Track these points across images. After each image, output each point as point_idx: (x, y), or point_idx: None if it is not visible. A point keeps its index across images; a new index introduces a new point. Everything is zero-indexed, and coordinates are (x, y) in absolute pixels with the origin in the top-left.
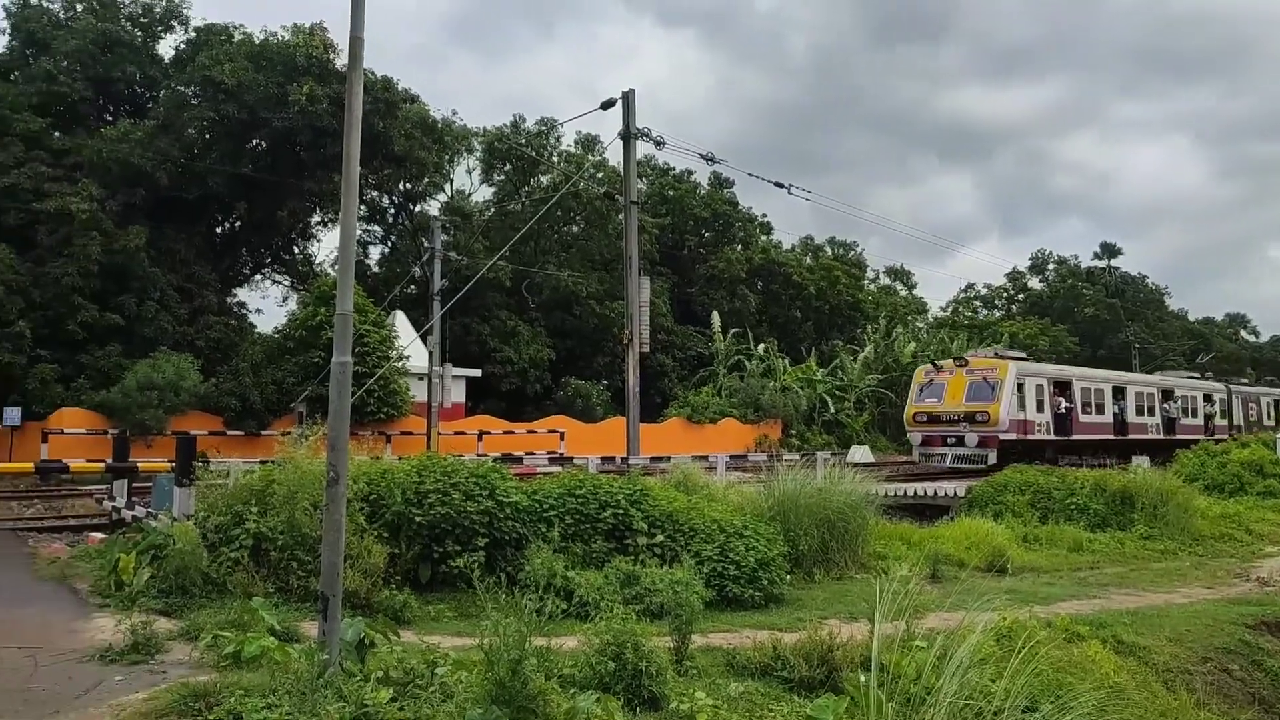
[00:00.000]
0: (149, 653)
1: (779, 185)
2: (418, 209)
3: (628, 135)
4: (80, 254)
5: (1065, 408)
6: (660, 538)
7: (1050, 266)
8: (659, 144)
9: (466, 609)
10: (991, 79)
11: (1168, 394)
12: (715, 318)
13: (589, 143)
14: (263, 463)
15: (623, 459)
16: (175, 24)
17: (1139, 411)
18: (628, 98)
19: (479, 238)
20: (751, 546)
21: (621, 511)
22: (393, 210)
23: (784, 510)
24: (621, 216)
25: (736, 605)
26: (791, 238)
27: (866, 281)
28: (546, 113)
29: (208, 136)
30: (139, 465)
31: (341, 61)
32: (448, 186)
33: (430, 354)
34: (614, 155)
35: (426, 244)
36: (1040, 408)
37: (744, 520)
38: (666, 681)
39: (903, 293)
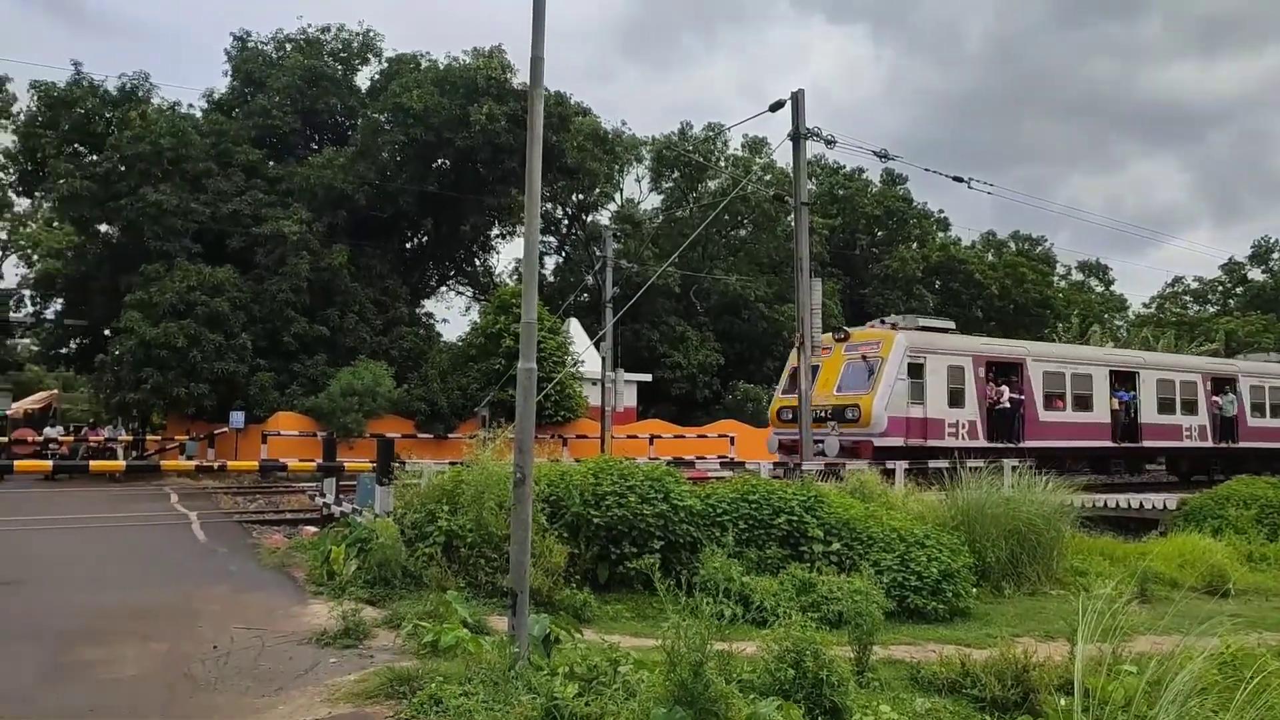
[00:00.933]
0: (358, 638)
1: (957, 179)
2: (590, 219)
3: (797, 136)
4: (292, 272)
5: (1011, 400)
6: (837, 545)
7: (1275, 255)
8: (830, 143)
9: (643, 610)
10: (1198, 53)
11: (1223, 383)
12: None
13: (756, 145)
14: (451, 464)
15: (795, 464)
16: (370, 56)
17: (1165, 408)
18: (797, 98)
19: (648, 245)
20: (934, 557)
21: (796, 518)
22: (566, 221)
23: (969, 520)
24: (790, 218)
25: (918, 617)
26: (971, 234)
27: (1056, 278)
28: (713, 118)
29: (398, 159)
30: (345, 465)
31: (518, 80)
32: (618, 196)
33: (603, 359)
34: (782, 156)
35: (598, 253)
36: (957, 400)
37: (925, 530)
38: (848, 692)
39: (1099, 289)
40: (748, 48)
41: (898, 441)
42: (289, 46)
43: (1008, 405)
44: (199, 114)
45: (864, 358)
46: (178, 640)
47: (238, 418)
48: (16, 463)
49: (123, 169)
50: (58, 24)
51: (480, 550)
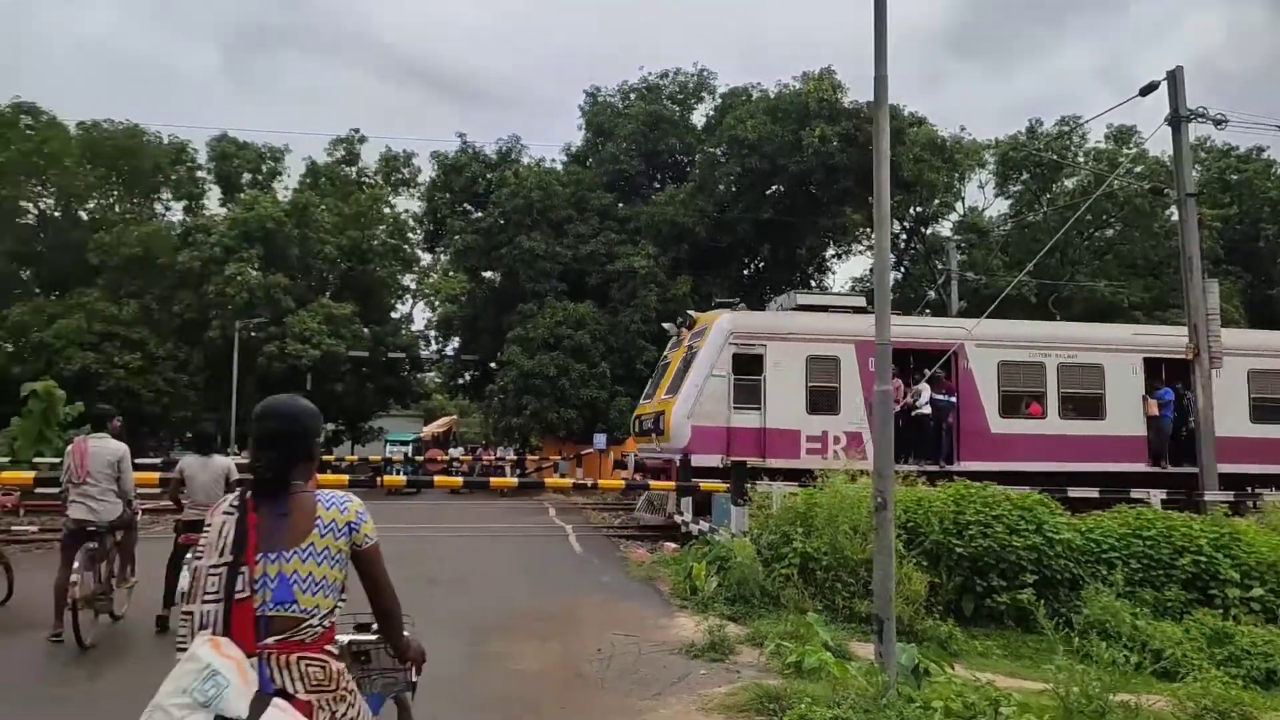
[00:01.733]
0: (723, 652)
1: None
2: (929, 232)
3: (1177, 119)
4: (642, 304)
5: (935, 403)
6: (1259, 591)
7: None
8: (1218, 123)
9: (1016, 648)
10: None
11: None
12: None
13: (1122, 135)
14: (800, 485)
15: (1195, 493)
16: (705, 94)
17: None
18: (1175, 76)
19: (996, 254)
20: None
21: (1204, 559)
22: (904, 236)
23: None
24: (1170, 212)
25: None
26: None
27: None
28: (1065, 111)
29: (734, 189)
30: (700, 485)
31: (849, 100)
32: (959, 205)
33: None
34: (1156, 144)
35: (940, 266)
36: (825, 404)
37: None
38: None
39: None
40: (1104, 31)
41: (711, 460)
42: (633, 96)
43: (927, 411)
44: (560, 166)
45: (692, 350)
46: (566, 641)
47: (600, 439)
48: (436, 478)
49: (501, 222)
50: (451, 103)
51: (836, 574)
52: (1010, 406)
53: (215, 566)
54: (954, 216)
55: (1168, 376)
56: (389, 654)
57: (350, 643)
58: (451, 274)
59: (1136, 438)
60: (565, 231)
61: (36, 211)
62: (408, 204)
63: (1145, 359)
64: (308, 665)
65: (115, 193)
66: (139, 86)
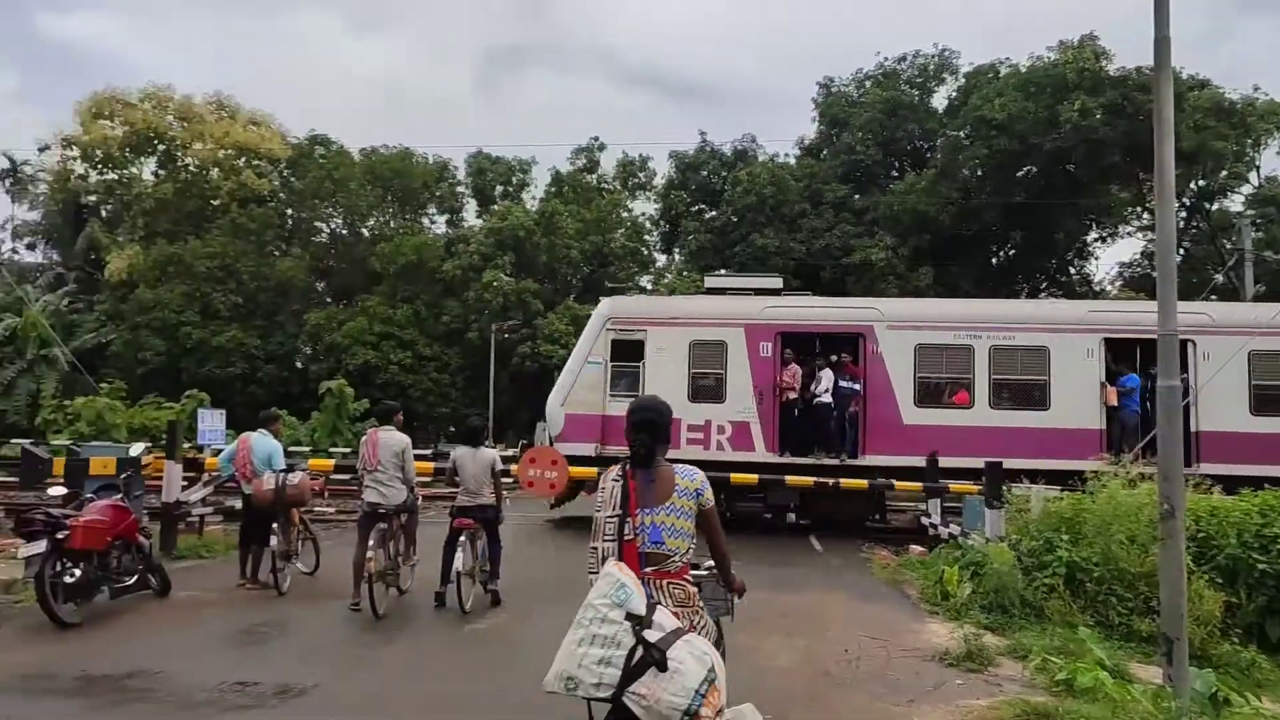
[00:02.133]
0: (981, 663)
1: None
2: (1214, 207)
3: None
4: (880, 297)
5: (842, 390)
6: None
7: None
8: None
9: None
10: None
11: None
12: None
13: None
14: (1065, 489)
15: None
16: (946, 76)
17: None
18: None
19: None
20: None
21: None
22: (1183, 214)
23: None
24: None
25: None
26: None
27: None
28: None
29: (980, 173)
30: (949, 487)
31: (1114, 67)
32: (1253, 175)
33: None
34: None
35: (1229, 245)
36: (709, 392)
37: None
38: None
39: None
40: None
41: (585, 449)
42: (868, 83)
43: (826, 399)
44: (792, 161)
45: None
46: (812, 639)
47: None
48: None
49: (735, 220)
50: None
51: (1110, 587)
52: (927, 394)
53: (610, 517)
54: (1246, 189)
55: (1142, 361)
56: (719, 584)
57: (693, 575)
58: (685, 274)
59: (1090, 431)
60: (799, 226)
61: (328, 230)
62: (644, 207)
63: (1106, 339)
64: (674, 588)
65: (390, 210)
66: (408, 111)
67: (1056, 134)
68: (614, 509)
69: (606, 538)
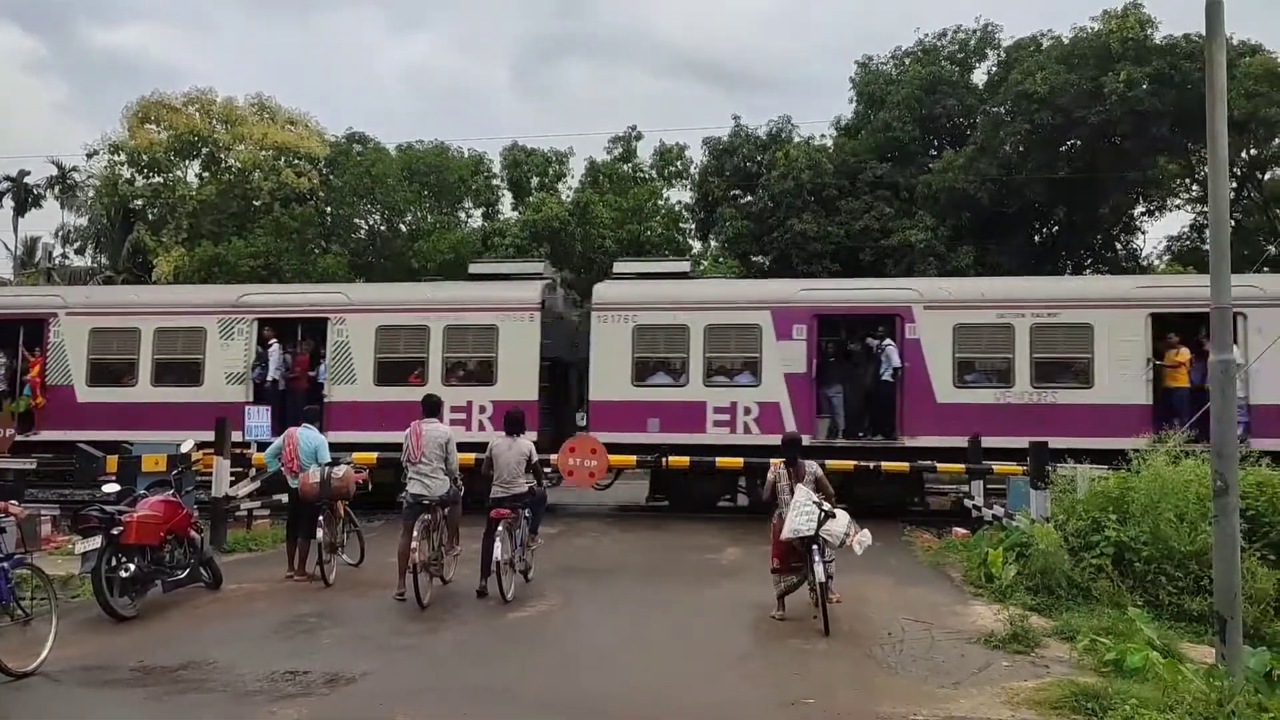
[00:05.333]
0: (1028, 645)
1: None
2: (1266, 177)
3: None
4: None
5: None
6: None
7: None
8: None
9: None
10: None
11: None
12: None
13: None
14: (1111, 467)
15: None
16: (988, 50)
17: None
18: None
19: None
20: None
21: None
22: (1234, 185)
23: None
24: None
25: None
26: None
27: None
28: None
29: (1021, 149)
30: (993, 468)
31: (1161, 35)
32: None
33: None
34: None
35: None
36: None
37: None
38: None
39: None
40: None
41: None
42: (907, 60)
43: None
44: (829, 142)
45: None
46: (854, 622)
47: None
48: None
49: (771, 205)
50: (724, 92)
51: (1159, 566)
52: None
53: (783, 485)
54: None
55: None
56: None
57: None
58: (721, 260)
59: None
60: (837, 209)
61: (367, 227)
62: (680, 195)
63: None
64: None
65: (427, 205)
66: (445, 106)
67: (1101, 106)
68: (789, 486)
69: (784, 496)
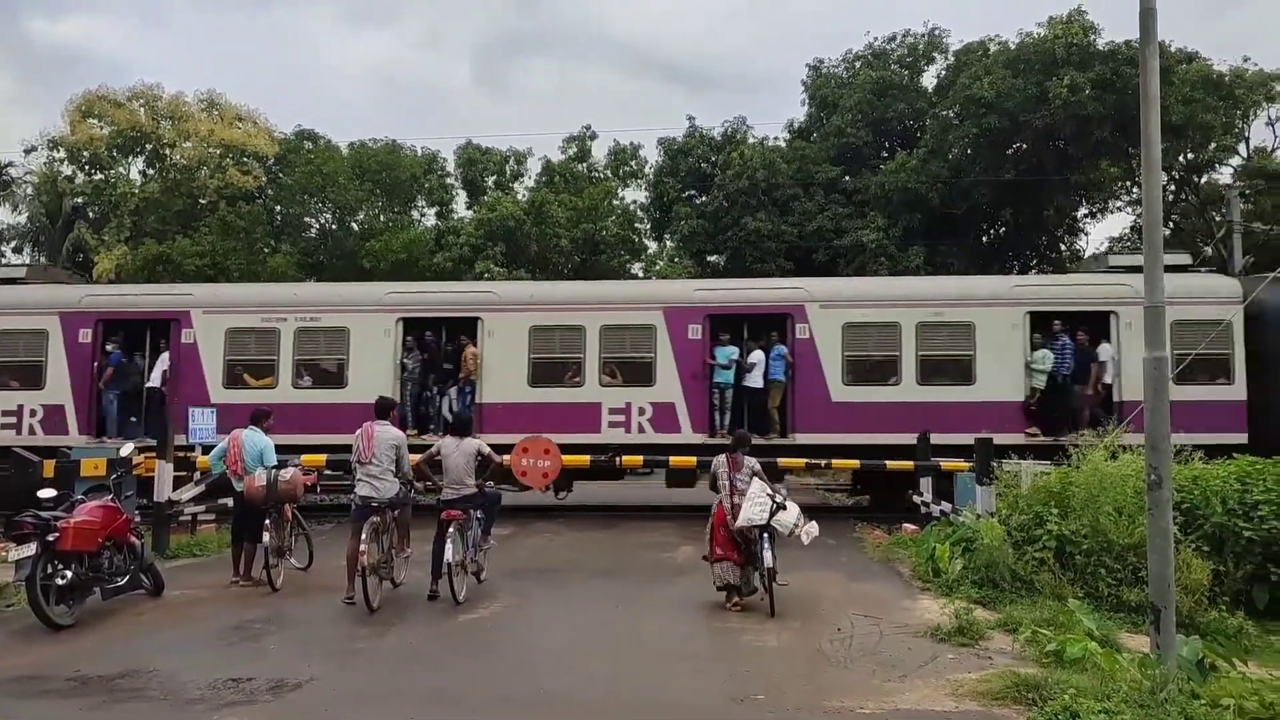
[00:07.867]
0: (972, 637)
1: None
2: (1203, 180)
3: None
4: (872, 278)
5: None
6: None
7: None
8: None
9: None
10: None
11: None
12: None
13: None
14: (1053, 463)
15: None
16: (936, 54)
17: None
18: None
19: None
20: None
21: None
22: (1174, 187)
23: None
24: None
25: None
26: None
27: None
28: None
29: (969, 152)
30: (941, 465)
31: (1104, 41)
32: (1241, 147)
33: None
34: None
35: (1219, 218)
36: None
37: None
38: None
39: None
40: None
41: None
42: (858, 64)
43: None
44: (783, 144)
45: None
46: (805, 619)
47: None
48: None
49: (726, 204)
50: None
51: (1099, 559)
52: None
53: (726, 477)
54: (1235, 161)
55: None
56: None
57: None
58: (676, 260)
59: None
60: (790, 209)
61: (318, 226)
62: (635, 195)
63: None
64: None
65: (379, 204)
66: (404, 104)
67: (1046, 111)
68: (728, 477)
69: (724, 486)
